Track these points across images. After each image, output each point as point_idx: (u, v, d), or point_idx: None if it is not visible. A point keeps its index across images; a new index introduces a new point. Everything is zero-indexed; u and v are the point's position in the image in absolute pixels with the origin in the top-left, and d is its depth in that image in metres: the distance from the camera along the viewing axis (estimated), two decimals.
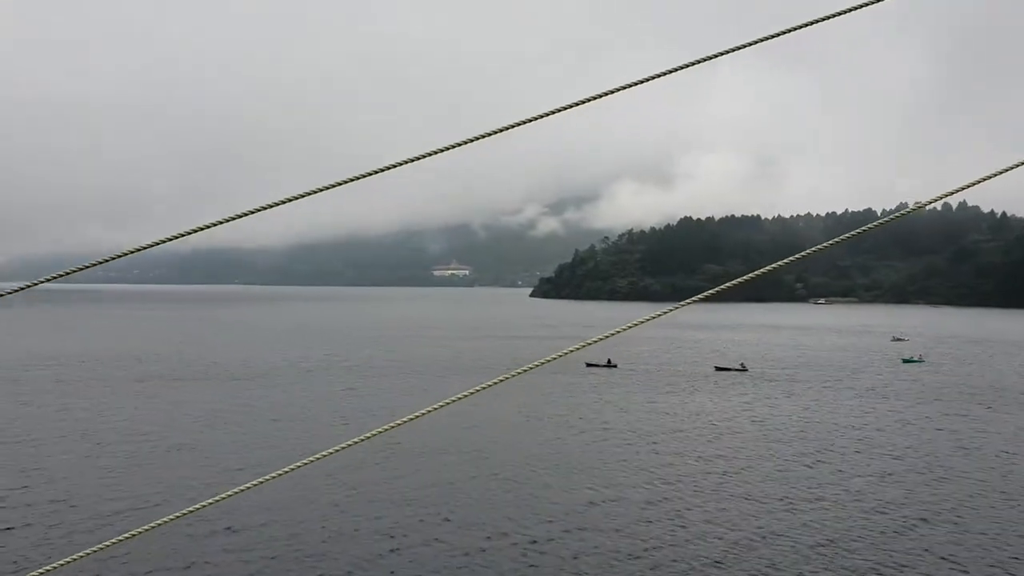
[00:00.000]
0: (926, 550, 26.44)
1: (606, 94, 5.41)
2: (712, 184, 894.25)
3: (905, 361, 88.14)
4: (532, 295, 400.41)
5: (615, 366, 76.41)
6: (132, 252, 5.51)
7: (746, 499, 32.12)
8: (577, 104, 5.31)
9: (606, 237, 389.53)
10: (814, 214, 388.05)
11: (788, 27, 5.33)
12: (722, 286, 5.87)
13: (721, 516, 29.80)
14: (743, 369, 77.43)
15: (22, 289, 5.50)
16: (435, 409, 5.26)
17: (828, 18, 5.34)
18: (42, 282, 5.38)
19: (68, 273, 5.66)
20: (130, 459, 38.41)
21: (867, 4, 5.41)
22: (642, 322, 5.77)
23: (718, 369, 78.31)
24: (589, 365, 75.76)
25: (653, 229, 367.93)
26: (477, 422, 46.98)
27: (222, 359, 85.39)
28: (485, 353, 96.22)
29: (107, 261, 5.52)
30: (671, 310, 5.98)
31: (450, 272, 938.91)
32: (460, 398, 5.25)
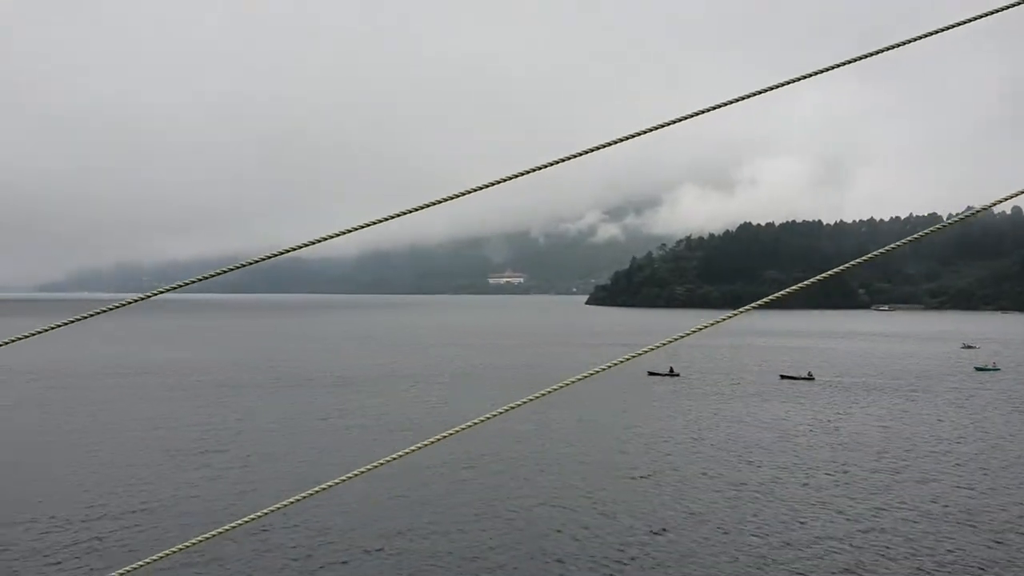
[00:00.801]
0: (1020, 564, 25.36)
1: (686, 117, 5.33)
2: (775, 189, 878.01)
3: (978, 369, 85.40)
4: (588, 302, 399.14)
5: (677, 375, 75.38)
6: (255, 261, 5.43)
7: (826, 510, 31.15)
8: (661, 127, 5.20)
9: (663, 244, 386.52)
10: (877, 219, 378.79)
11: (880, 47, 5.23)
12: (788, 290, 5.82)
13: (801, 529, 28.93)
14: (810, 378, 75.73)
15: (142, 299, 5.53)
16: (497, 415, 5.22)
17: (915, 40, 5.26)
18: (161, 292, 5.43)
19: (189, 283, 5.65)
20: (214, 463, 38.95)
21: (954, 26, 5.35)
22: (706, 327, 5.75)
23: (784, 378, 76.76)
24: (651, 374, 74.85)
25: (712, 235, 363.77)
26: (543, 431, 46.64)
27: (304, 366, 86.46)
28: (547, 360, 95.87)
29: (227, 271, 5.52)
30: (733, 315, 5.80)
31: (505, 280, 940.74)
32: (521, 404, 5.30)
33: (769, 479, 36.78)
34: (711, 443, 45.25)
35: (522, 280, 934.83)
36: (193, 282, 5.62)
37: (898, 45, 5.19)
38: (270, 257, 5.41)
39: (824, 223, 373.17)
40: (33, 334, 5.30)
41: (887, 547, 27.25)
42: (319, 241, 5.45)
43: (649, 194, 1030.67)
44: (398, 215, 5.20)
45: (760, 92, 5.23)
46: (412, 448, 5.15)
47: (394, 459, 5.24)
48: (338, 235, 5.44)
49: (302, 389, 68.69)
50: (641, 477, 37.06)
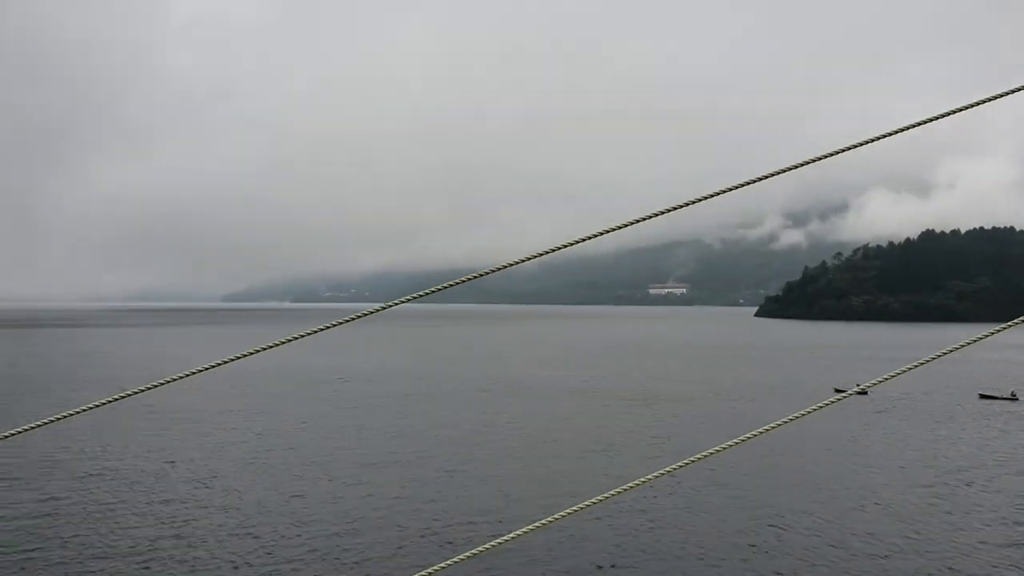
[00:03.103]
0: None
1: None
2: (975, 194, 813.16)
3: None
4: (757, 314, 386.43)
5: (864, 392, 71.09)
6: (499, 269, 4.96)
7: None
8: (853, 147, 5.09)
9: (839, 253, 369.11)
10: None
11: None
12: None
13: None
14: (1014, 398, 69.49)
15: (383, 308, 5.60)
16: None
17: None
18: (402, 302, 5.67)
19: (433, 292, 5.67)
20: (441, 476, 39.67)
21: None
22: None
23: (983, 397, 70.87)
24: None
25: (891, 244, 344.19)
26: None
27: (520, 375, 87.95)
28: (765, 379, 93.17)
29: (471, 279, 5.72)
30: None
31: (667, 291, 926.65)
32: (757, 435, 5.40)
33: (986, 507, 33.52)
34: (909, 466, 42.03)
35: (685, 291, 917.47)
36: (434, 291, 5.55)
37: None
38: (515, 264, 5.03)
39: (1017, 229, 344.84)
40: (294, 338, 5.17)
41: None
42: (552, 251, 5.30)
43: (836, 199, 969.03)
44: (594, 236, 5.39)
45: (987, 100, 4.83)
46: (649, 477, 5.15)
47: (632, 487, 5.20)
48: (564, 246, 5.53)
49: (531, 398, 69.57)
50: (847, 503, 34.65)
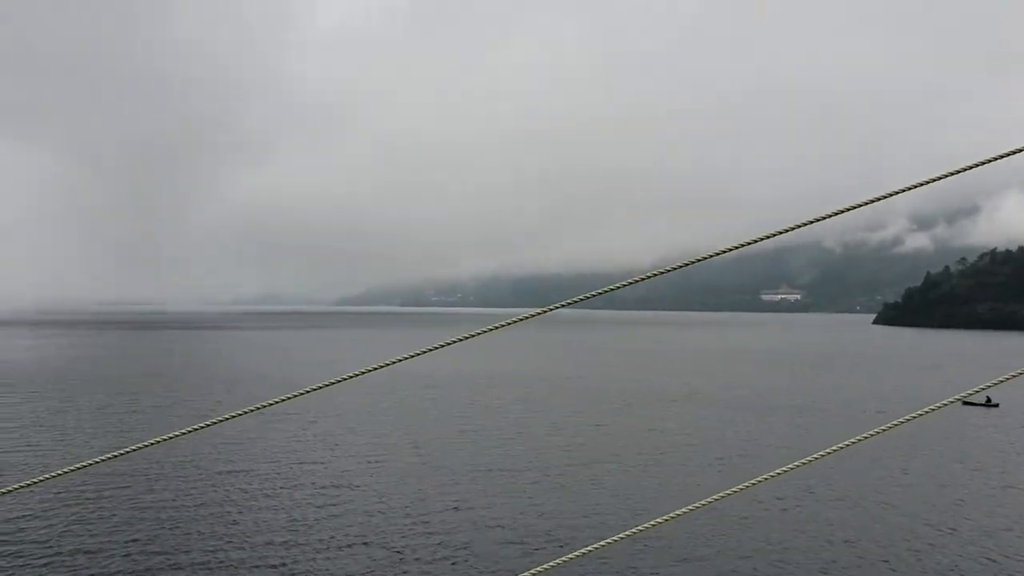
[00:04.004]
0: None
1: None
2: None
3: None
4: (875, 321, 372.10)
5: (996, 405, 67.52)
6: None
7: None
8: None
9: (963, 258, 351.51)
10: None
11: None
12: None
13: None
14: None
15: (538, 314, 5.61)
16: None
17: None
18: (558, 307, 5.70)
19: (584, 299, 5.82)
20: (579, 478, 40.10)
21: None
22: None
23: None
24: (966, 404, 67.58)
25: (1021, 249, 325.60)
26: (853, 464, 43.28)
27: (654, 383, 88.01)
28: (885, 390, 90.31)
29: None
30: None
31: (780, 297, 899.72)
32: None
33: None
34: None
35: (799, 297, 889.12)
36: (586, 298, 5.72)
37: None
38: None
39: None
40: (452, 342, 5.31)
41: None
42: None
43: (966, 201, 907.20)
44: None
45: None
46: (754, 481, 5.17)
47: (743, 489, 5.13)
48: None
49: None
50: (993, 521, 33.15)
